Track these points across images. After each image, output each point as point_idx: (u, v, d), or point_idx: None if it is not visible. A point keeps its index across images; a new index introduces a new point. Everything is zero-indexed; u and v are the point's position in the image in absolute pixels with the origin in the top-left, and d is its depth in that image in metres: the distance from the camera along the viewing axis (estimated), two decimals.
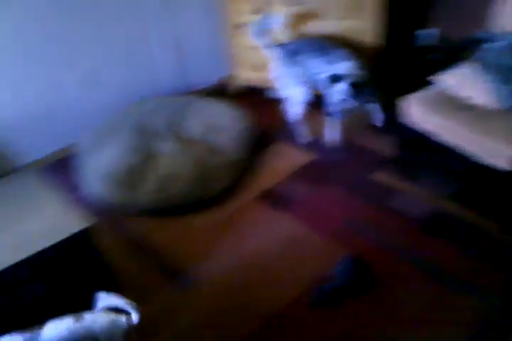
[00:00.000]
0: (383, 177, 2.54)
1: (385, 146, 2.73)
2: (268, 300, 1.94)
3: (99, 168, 2.46)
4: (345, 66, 2.50)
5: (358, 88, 2.45)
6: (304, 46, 2.66)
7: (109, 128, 2.73)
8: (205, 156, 2.55)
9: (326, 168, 2.67)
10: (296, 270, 2.07)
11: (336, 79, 2.46)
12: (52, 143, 2.83)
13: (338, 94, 2.49)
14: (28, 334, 1.20)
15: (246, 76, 3.18)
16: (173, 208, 2.39)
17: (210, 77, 3.40)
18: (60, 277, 1.62)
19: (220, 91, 3.35)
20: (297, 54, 2.64)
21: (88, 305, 1.35)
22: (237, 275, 2.07)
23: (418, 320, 1.82)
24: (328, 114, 2.63)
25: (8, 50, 2.46)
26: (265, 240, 2.23)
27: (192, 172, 2.44)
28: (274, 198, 2.48)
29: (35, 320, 1.25)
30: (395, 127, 2.47)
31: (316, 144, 2.83)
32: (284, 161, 2.69)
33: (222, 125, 2.73)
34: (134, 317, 1.30)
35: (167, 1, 2.94)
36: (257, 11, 2.83)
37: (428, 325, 1.79)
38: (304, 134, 2.85)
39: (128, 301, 1.34)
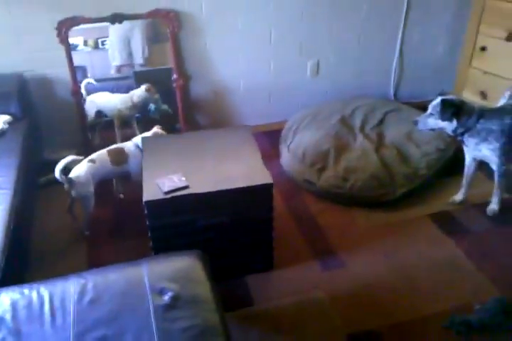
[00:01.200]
0: None
1: None
2: (404, 308, 1.99)
3: (299, 145, 2.75)
4: None
5: None
6: None
7: (319, 113, 3.01)
8: (393, 161, 2.64)
9: None
10: (441, 292, 2.06)
11: None
12: (268, 115, 3.22)
13: None
14: None
15: (469, 99, 3.12)
16: (348, 198, 2.55)
17: (429, 92, 3.42)
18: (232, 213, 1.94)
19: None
20: None
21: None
22: (380, 275, 2.15)
23: None
24: None
25: (254, 31, 2.91)
26: (423, 257, 2.25)
27: (376, 171, 2.56)
28: (448, 222, 2.45)
29: None
30: None
31: None
32: (474, 191, 2.60)
33: (421, 139, 2.77)
34: None
35: (418, 13, 3.07)
36: (508, 38, 2.76)
37: None
38: None
39: None
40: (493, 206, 2.47)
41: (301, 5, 2.89)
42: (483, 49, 2.93)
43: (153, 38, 2.89)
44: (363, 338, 1.88)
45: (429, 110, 2.25)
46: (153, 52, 2.90)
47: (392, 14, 3.10)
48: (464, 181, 2.53)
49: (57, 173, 2.15)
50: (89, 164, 2.28)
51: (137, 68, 2.94)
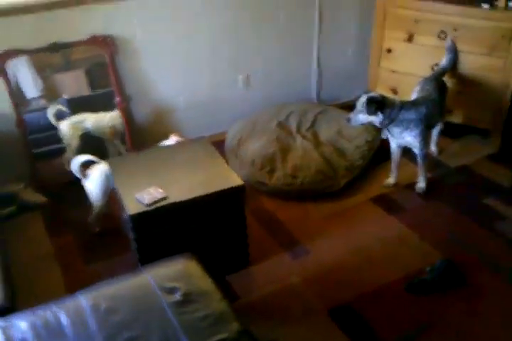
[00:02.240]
0: (494, 203, 2.74)
1: (502, 176, 2.93)
2: (366, 279, 2.28)
3: (247, 152, 2.98)
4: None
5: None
6: None
7: (257, 122, 3.26)
8: (332, 156, 2.96)
9: (440, 185, 2.92)
10: (395, 262, 2.38)
11: None
12: (208, 128, 3.41)
13: None
14: None
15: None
16: (299, 194, 2.81)
17: (348, 93, 3.82)
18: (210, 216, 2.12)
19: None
20: None
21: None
22: (341, 256, 2.43)
23: (494, 322, 2.04)
24: None
25: (187, 51, 3.10)
26: (373, 235, 2.56)
27: (319, 167, 2.86)
28: (387, 203, 2.80)
29: None
30: None
31: (437, 164, 3.10)
32: (402, 173, 2.98)
33: (351, 134, 3.11)
34: None
35: (331, 22, 3.47)
36: (408, 39, 3.21)
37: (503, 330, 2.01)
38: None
39: None
40: (421, 184, 2.86)
41: (227, 24, 3.15)
42: (389, 51, 3.36)
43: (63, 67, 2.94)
44: (342, 312, 2.13)
45: (358, 107, 2.58)
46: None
47: (306, 27, 3.44)
48: (393, 166, 2.90)
49: (74, 168, 2.38)
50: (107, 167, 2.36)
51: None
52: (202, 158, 2.29)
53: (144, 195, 1.99)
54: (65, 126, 2.81)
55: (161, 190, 2.02)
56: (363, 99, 2.57)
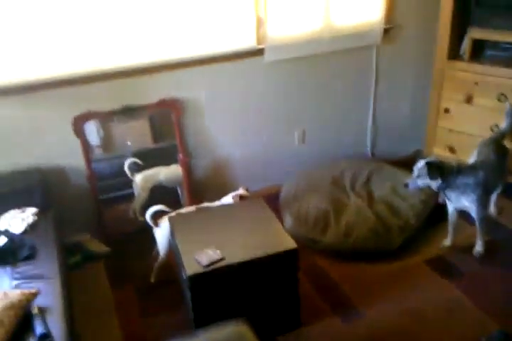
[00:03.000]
0: None
1: None
2: None
3: (301, 209, 3.05)
4: None
5: None
6: None
7: (311, 178, 3.35)
8: (386, 215, 2.97)
9: (499, 249, 2.85)
10: (449, 330, 2.32)
11: None
12: (263, 181, 3.52)
13: None
14: None
15: (439, 154, 3.54)
16: (352, 252, 2.82)
17: (402, 150, 3.86)
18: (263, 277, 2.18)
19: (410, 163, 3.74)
20: None
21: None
22: (394, 321, 2.40)
23: None
24: None
25: (246, 110, 3.28)
26: (427, 300, 2.51)
27: (373, 225, 2.87)
28: (443, 266, 2.75)
29: None
30: None
31: (496, 225, 3.03)
32: (460, 235, 2.93)
33: (405, 193, 3.11)
34: None
35: (388, 81, 3.57)
36: (467, 101, 3.24)
37: None
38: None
39: None
40: (479, 248, 2.80)
41: (287, 85, 3.31)
42: (446, 111, 3.39)
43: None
44: None
45: (415, 172, 2.60)
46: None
47: (363, 86, 3.56)
48: (450, 228, 2.87)
49: (148, 218, 2.57)
50: None
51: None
52: (257, 218, 2.38)
53: (202, 256, 2.09)
54: (139, 179, 3.01)
55: (218, 251, 2.12)
56: (421, 164, 2.59)
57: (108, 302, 2.62)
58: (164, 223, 2.55)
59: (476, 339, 2.21)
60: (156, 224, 2.59)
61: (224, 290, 2.12)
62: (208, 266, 2.05)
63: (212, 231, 2.29)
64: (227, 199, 2.69)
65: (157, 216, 2.61)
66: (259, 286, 2.19)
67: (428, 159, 2.61)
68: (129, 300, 2.63)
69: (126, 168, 2.99)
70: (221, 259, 2.08)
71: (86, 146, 2.86)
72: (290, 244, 2.17)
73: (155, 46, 2.85)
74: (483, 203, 2.66)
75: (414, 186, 2.64)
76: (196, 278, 2.02)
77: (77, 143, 2.84)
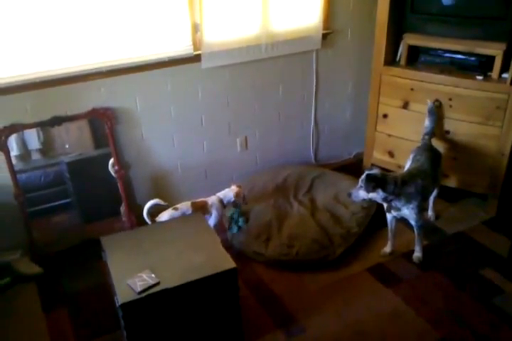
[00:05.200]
0: (492, 274, 2.72)
1: (499, 244, 2.92)
2: None
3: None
4: None
5: None
6: None
7: (254, 186, 3.29)
8: (328, 224, 2.97)
9: (437, 254, 2.90)
10: None
11: None
12: (206, 190, 3.43)
13: None
14: None
15: (379, 158, 3.58)
16: (295, 264, 2.80)
17: (345, 153, 3.88)
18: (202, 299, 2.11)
19: (352, 167, 3.78)
20: None
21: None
22: (336, 335, 2.38)
23: None
24: None
25: (184, 117, 3.17)
26: (369, 310, 2.52)
27: (316, 235, 2.86)
28: (383, 273, 2.77)
29: None
30: None
31: (433, 230, 3.09)
32: (399, 241, 2.97)
33: (348, 200, 3.07)
34: None
35: (328, 86, 3.57)
36: (404, 106, 3.27)
37: None
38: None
39: None
40: (417, 254, 2.85)
41: (227, 91, 3.23)
42: (384, 116, 3.42)
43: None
44: None
45: (359, 183, 2.59)
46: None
47: (305, 91, 3.54)
48: (390, 235, 2.89)
49: (145, 215, 2.61)
50: (172, 211, 2.68)
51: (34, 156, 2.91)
52: (195, 235, 2.30)
53: (135, 281, 1.99)
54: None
55: (153, 275, 2.02)
56: (364, 175, 2.58)
57: (40, 326, 2.46)
58: (164, 216, 2.65)
59: None
60: (154, 221, 2.62)
61: (160, 315, 2.03)
62: (142, 292, 1.95)
63: (147, 252, 2.18)
64: (222, 193, 2.90)
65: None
66: (199, 308, 2.11)
67: (370, 171, 2.60)
68: (63, 324, 2.48)
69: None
70: (156, 284, 1.99)
71: (10, 161, 2.67)
72: (229, 263, 2.10)
73: (85, 52, 2.70)
74: (421, 211, 2.70)
75: (357, 197, 2.63)
76: (129, 306, 1.92)
77: (1, 157, 2.65)
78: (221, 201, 2.88)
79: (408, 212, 2.65)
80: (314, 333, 2.40)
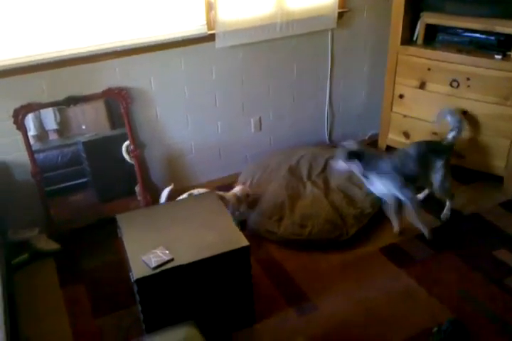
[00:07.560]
0: (505, 256, 2.70)
1: None
2: (371, 339, 2.27)
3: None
4: None
5: None
6: None
7: (267, 166, 3.30)
8: (342, 204, 2.97)
9: (451, 234, 2.90)
10: (402, 321, 2.35)
11: None
12: (220, 170, 3.46)
13: None
14: None
15: (394, 139, 3.55)
16: (308, 243, 2.81)
17: (359, 134, 3.86)
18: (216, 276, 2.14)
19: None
20: None
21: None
22: (348, 313, 2.41)
23: None
24: None
25: (199, 97, 3.18)
26: (381, 290, 2.54)
27: (328, 216, 2.86)
28: (396, 253, 2.78)
29: None
30: None
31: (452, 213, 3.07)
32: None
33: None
34: None
35: (344, 66, 3.53)
36: (420, 86, 3.23)
37: None
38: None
39: None
40: (425, 233, 2.83)
41: (241, 71, 3.21)
42: (401, 96, 3.37)
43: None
44: None
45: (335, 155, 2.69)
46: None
47: (319, 71, 3.50)
48: (392, 216, 2.90)
49: (162, 200, 2.79)
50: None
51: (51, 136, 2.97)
52: (209, 213, 2.32)
53: (150, 257, 2.03)
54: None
55: (167, 252, 2.06)
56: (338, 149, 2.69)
57: (58, 302, 2.53)
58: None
59: (430, 328, 2.26)
60: None
61: (174, 291, 2.07)
62: (157, 267, 1.98)
63: (161, 230, 2.21)
64: (236, 189, 2.93)
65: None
66: (212, 285, 2.15)
67: (346, 144, 2.70)
68: (80, 299, 2.55)
69: (124, 152, 2.90)
70: (170, 260, 2.02)
71: (27, 140, 2.71)
72: (242, 241, 2.12)
73: (99, 32, 2.71)
74: (403, 185, 2.68)
75: (336, 167, 2.74)
76: (144, 281, 1.96)
77: (19, 136, 2.69)
78: (236, 195, 2.90)
79: (389, 186, 2.68)
80: (326, 311, 2.43)
